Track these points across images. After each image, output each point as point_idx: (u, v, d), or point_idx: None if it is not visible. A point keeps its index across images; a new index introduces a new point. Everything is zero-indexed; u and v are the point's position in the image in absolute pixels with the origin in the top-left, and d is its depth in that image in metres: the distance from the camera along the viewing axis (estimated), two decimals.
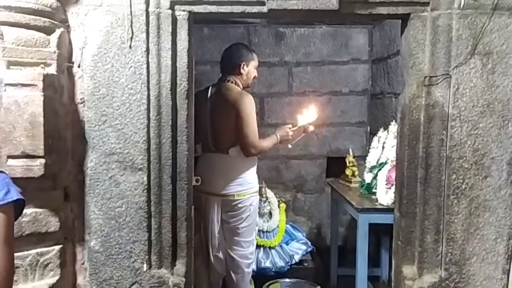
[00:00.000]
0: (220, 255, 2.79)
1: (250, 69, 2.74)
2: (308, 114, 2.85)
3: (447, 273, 1.80)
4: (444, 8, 1.73)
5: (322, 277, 3.42)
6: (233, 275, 2.78)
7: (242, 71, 2.71)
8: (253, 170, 2.76)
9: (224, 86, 2.71)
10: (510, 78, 1.74)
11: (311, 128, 2.88)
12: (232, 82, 2.71)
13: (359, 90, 3.98)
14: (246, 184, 2.71)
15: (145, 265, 1.78)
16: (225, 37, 3.78)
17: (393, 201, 2.57)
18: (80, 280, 1.82)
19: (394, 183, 2.61)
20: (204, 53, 3.78)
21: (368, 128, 3.98)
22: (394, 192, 2.05)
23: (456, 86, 1.75)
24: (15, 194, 1.04)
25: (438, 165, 1.78)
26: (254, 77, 2.81)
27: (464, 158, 1.76)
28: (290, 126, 2.79)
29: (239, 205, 2.70)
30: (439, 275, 1.80)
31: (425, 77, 1.77)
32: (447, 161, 1.77)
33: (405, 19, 1.84)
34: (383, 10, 1.79)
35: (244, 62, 2.70)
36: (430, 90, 1.77)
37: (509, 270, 1.77)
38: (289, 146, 2.91)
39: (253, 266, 3.10)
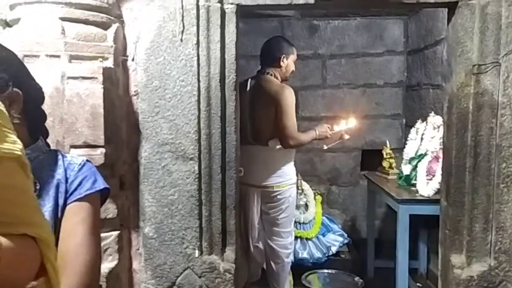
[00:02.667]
0: (260, 245, 2.84)
1: (289, 62, 2.76)
2: (348, 123, 2.91)
3: (496, 262, 1.78)
4: None
5: (359, 268, 3.43)
6: (273, 265, 2.82)
7: (281, 63, 2.73)
8: (291, 162, 2.79)
9: (264, 79, 2.73)
10: None
11: (347, 137, 2.93)
12: (271, 75, 2.74)
13: (394, 82, 3.94)
14: (285, 175, 2.74)
15: (196, 251, 1.83)
16: (259, 31, 3.78)
17: (434, 192, 2.57)
18: (135, 265, 1.89)
19: (436, 174, 2.61)
20: (239, 47, 3.79)
21: (404, 120, 3.95)
22: (440, 182, 2.05)
23: (506, 74, 1.73)
24: (101, 183, 1.01)
25: (487, 153, 1.76)
26: (292, 71, 2.83)
27: None
28: (329, 126, 2.83)
29: (278, 197, 2.73)
30: (488, 264, 1.79)
31: (474, 65, 1.75)
32: (497, 149, 1.75)
33: (452, 7, 1.83)
34: None
35: (284, 55, 2.72)
36: (479, 79, 1.75)
37: None
38: (325, 147, 3.00)
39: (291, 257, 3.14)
